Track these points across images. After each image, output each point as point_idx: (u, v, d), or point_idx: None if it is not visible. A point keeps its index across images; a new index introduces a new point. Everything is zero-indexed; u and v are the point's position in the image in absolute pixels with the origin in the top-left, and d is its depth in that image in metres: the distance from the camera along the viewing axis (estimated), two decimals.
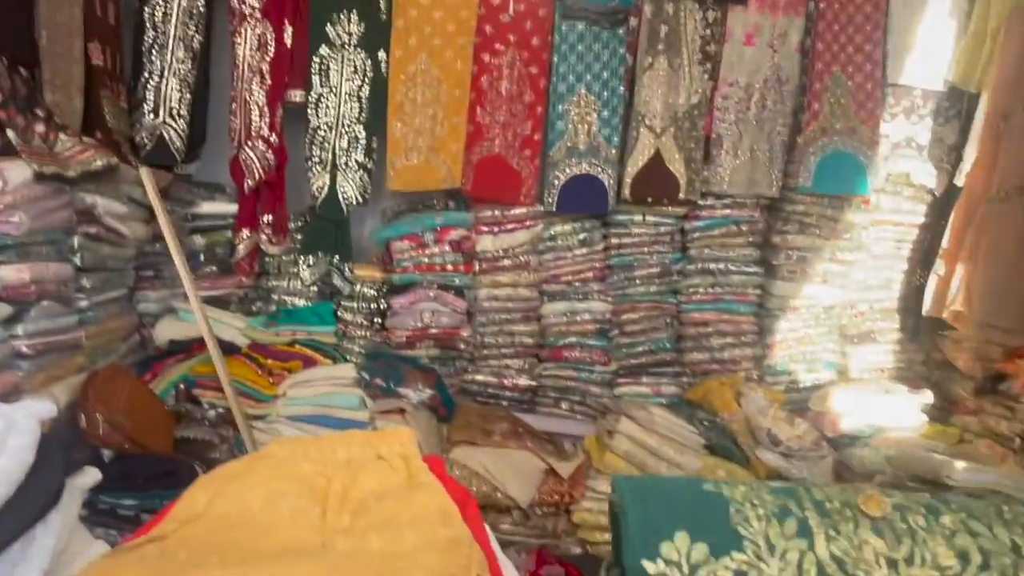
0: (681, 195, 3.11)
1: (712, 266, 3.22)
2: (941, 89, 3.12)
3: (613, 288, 3.24)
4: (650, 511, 0.68)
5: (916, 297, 3.21)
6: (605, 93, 3.06)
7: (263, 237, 3.06)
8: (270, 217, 3.05)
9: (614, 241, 3.21)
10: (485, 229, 3.16)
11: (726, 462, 2.78)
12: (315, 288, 3.22)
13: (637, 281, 3.24)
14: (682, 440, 2.78)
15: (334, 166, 3.07)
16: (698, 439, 2.82)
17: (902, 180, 3.17)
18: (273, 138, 2.98)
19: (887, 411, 3.02)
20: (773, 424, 2.83)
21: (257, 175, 2.97)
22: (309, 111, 3.03)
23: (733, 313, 3.23)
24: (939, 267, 3.09)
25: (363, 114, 3.03)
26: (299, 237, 3.20)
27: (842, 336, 3.30)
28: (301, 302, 3.21)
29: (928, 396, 3.08)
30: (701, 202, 3.16)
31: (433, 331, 3.20)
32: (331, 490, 0.89)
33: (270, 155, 2.98)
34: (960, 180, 3.05)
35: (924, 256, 3.21)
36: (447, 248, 3.16)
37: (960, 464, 2.45)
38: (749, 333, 3.25)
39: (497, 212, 3.15)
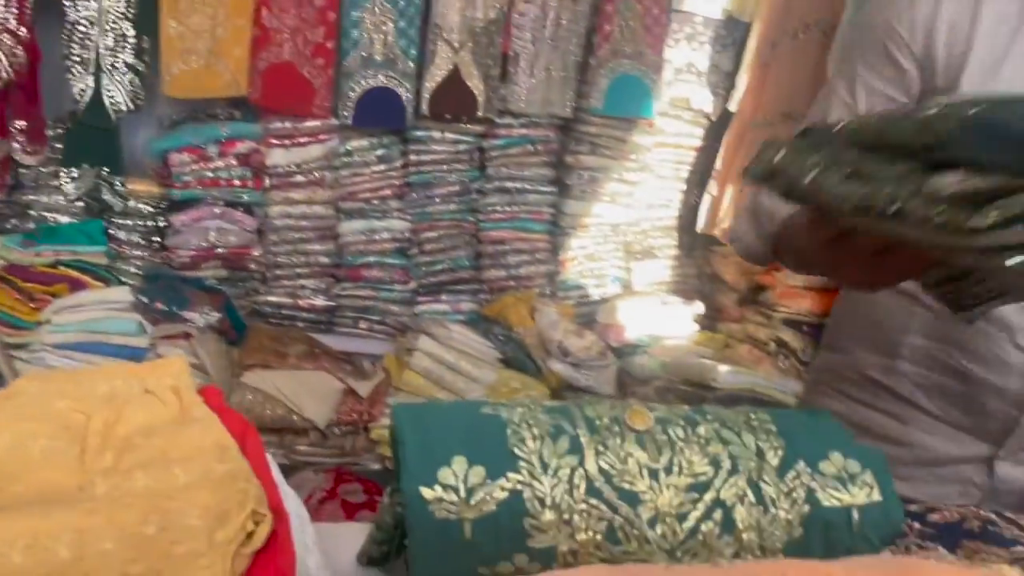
0: (479, 112, 3.09)
1: (509, 185, 3.26)
2: (720, 18, 3.28)
3: (412, 206, 3.20)
4: (428, 438, 0.68)
5: (692, 216, 3.45)
6: (402, 2, 2.95)
7: (15, 146, 2.73)
8: (23, 123, 2.71)
9: (413, 158, 3.15)
10: (275, 142, 2.99)
11: (520, 374, 2.91)
12: (81, 203, 2.92)
13: (437, 199, 3.22)
14: (479, 355, 2.87)
15: (98, 67, 2.76)
16: (494, 353, 2.92)
17: (682, 104, 3.35)
18: (23, 32, 2.62)
19: (664, 321, 3.28)
20: (563, 336, 2.98)
21: (4, 75, 2.62)
22: (65, 3, 2.68)
23: (529, 231, 3.31)
24: (712, 187, 3.33)
25: (130, 9, 2.73)
26: (60, 146, 2.87)
27: (627, 253, 3.49)
28: (65, 219, 2.91)
29: (699, 307, 3.37)
30: (499, 121, 3.16)
31: (220, 251, 3.02)
32: (91, 428, 0.81)
33: (19, 51, 2.63)
34: (732, 105, 3.28)
35: (700, 177, 3.43)
36: (233, 161, 2.96)
37: (723, 368, 2.74)
38: (543, 251, 3.36)
39: (288, 124, 2.98)
